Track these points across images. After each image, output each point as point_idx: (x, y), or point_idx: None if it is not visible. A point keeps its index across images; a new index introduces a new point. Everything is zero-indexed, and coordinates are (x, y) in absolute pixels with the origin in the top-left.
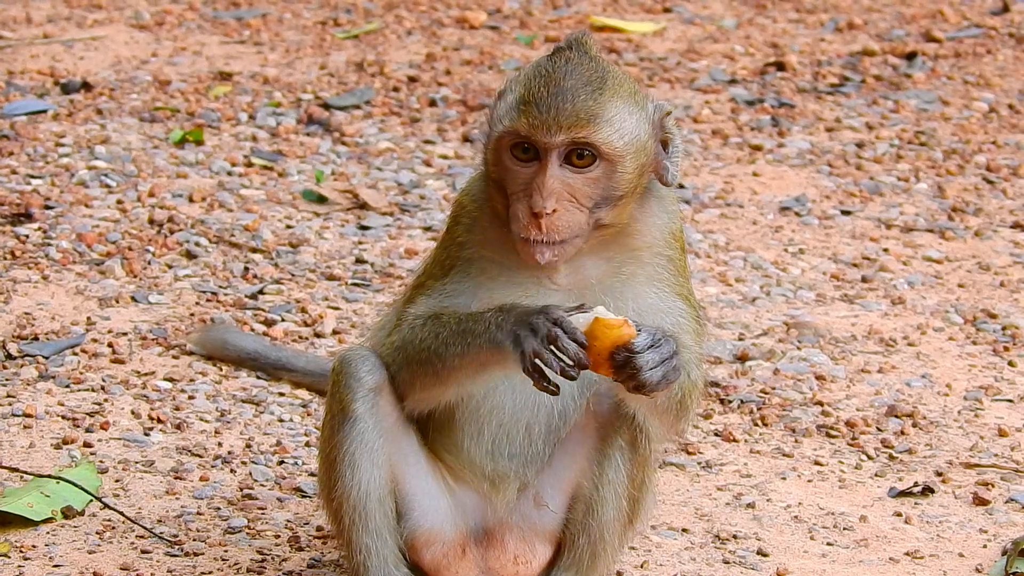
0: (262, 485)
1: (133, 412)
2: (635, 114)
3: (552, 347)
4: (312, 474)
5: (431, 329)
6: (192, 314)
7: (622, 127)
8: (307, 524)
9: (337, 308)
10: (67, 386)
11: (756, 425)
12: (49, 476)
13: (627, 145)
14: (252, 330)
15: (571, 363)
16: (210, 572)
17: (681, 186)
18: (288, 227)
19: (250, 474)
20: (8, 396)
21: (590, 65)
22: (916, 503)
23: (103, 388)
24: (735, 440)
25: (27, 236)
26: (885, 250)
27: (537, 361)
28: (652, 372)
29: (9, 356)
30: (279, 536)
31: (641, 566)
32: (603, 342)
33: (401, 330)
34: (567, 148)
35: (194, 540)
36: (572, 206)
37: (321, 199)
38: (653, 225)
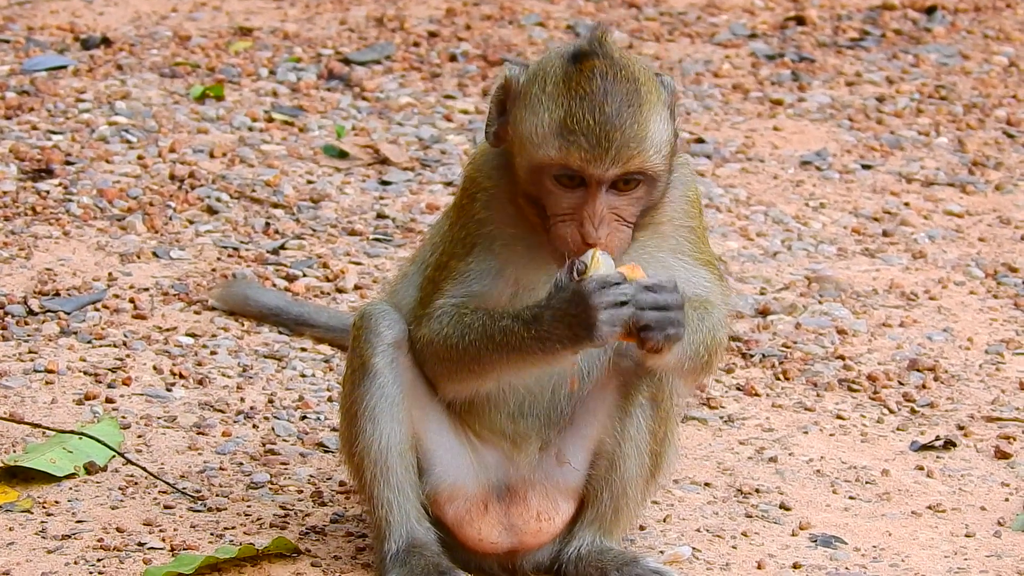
0: (284, 440)
1: (155, 368)
2: (664, 117)
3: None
4: (334, 429)
5: (461, 330)
6: (213, 269)
7: (660, 141)
8: (329, 479)
9: (359, 263)
10: (89, 342)
11: (778, 379)
12: (71, 432)
13: (665, 157)
14: (274, 285)
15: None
16: (233, 527)
17: (701, 140)
18: (309, 182)
19: (272, 429)
20: (30, 352)
21: (622, 75)
22: (938, 457)
23: (125, 344)
24: (757, 394)
25: (48, 192)
26: (906, 204)
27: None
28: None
29: (31, 312)
30: (302, 491)
31: (664, 520)
32: None
33: (431, 324)
34: (616, 178)
35: (217, 495)
36: (619, 225)
37: (342, 154)
38: (672, 197)
